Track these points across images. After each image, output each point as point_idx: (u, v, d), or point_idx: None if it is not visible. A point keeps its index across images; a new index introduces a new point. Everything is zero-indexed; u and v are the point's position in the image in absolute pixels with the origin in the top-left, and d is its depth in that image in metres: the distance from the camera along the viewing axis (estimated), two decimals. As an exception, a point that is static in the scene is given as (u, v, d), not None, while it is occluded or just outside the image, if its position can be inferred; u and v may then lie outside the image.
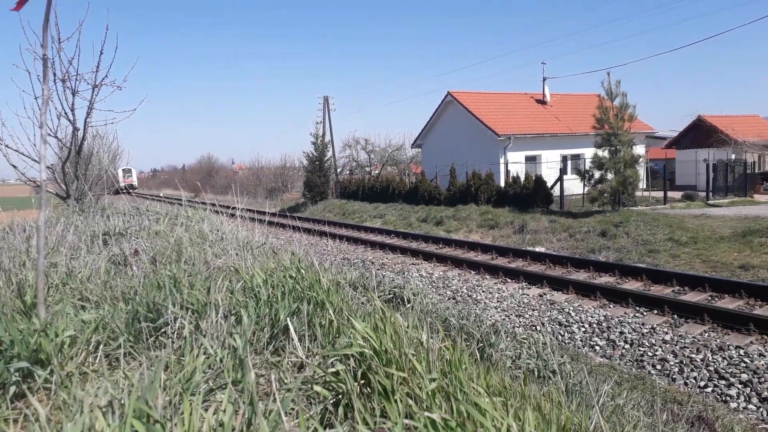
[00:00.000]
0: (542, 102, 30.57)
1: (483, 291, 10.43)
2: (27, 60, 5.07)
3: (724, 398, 5.74)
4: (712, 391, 5.92)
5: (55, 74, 6.37)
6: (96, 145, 12.96)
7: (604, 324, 8.08)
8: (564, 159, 25.59)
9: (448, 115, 30.36)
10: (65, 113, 7.00)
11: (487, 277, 11.66)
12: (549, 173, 23.01)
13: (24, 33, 4.97)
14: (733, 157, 25.22)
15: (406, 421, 1.64)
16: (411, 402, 1.75)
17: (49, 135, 7.01)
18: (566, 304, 9.22)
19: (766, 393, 5.71)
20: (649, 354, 6.93)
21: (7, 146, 6.47)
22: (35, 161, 6.76)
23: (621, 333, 7.68)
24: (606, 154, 18.14)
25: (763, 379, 5.99)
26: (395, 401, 1.76)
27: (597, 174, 18.44)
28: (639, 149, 21.38)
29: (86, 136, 7.81)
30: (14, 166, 6.78)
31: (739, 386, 5.91)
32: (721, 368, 6.33)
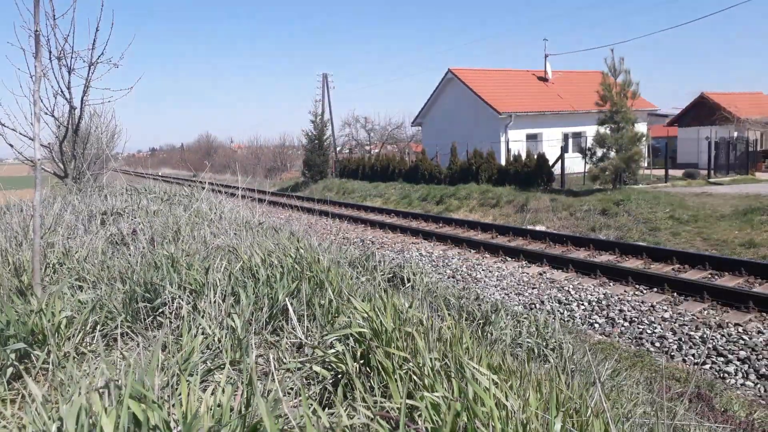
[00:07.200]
0: (544, 79, 30.19)
1: (483, 270, 10.44)
2: (22, 38, 4.96)
3: (722, 375, 5.78)
4: (711, 368, 5.96)
5: (50, 52, 6.26)
6: (93, 123, 12.83)
7: (603, 302, 8.11)
8: (565, 137, 25.39)
9: (448, 92, 30.02)
10: (61, 91, 6.90)
11: (487, 255, 11.66)
12: (550, 151, 22.84)
13: (18, 10, 4.86)
14: (735, 134, 25.03)
15: (408, 401, 1.62)
16: (412, 381, 1.74)
17: (45, 113, 6.92)
18: (566, 282, 9.23)
19: (764, 370, 5.74)
20: (648, 332, 6.96)
21: (2, 124, 6.40)
22: (31, 140, 6.69)
23: (620, 311, 7.70)
24: (608, 131, 17.98)
25: (761, 356, 6.02)
26: (396, 380, 1.74)
27: (599, 152, 18.29)
28: (641, 127, 21.18)
29: (83, 115, 7.71)
30: (11, 145, 6.71)
31: (738, 363, 5.94)
32: (720, 345, 6.36)
